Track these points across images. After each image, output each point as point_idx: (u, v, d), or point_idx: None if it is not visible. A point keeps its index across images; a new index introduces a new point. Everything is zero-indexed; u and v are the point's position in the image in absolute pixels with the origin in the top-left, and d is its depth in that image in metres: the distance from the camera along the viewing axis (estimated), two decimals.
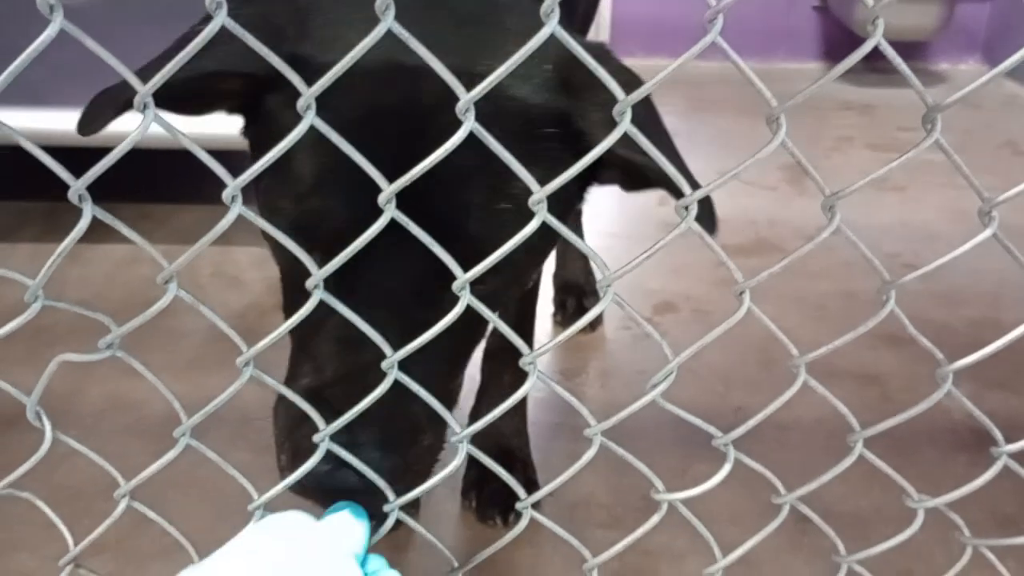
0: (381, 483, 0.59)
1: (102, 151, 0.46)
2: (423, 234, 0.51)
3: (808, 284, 1.73)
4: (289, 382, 0.64)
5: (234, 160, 0.53)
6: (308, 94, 0.45)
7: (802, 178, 2.25)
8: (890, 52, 0.49)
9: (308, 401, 0.57)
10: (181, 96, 0.60)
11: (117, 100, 0.59)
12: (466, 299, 0.53)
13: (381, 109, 0.59)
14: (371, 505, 0.60)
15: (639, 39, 3.15)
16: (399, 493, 0.61)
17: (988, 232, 0.54)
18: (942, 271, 0.55)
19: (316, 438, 0.58)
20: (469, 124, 0.46)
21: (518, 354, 0.58)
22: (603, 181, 0.70)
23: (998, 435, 0.64)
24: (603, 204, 1.86)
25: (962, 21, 3.23)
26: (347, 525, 0.57)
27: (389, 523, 0.62)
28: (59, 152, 0.46)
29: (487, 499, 1.14)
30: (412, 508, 0.67)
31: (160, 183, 2.01)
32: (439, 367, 0.66)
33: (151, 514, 0.64)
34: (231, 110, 0.67)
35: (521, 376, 0.59)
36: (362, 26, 0.44)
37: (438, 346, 0.56)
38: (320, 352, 0.63)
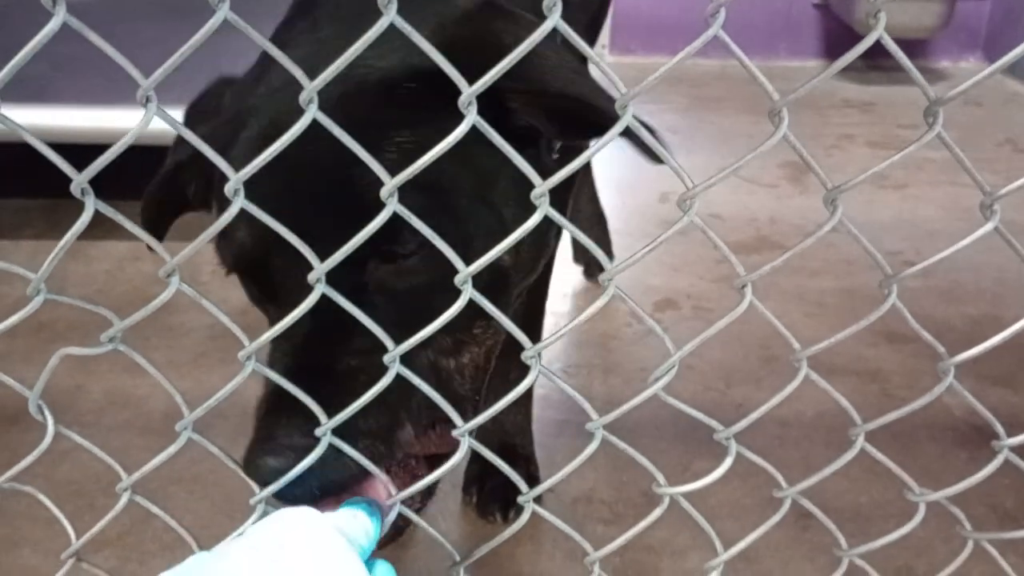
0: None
1: (104, 149, 0.46)
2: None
3: (808, 281, 1.73)
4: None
5: None
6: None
7: (803, 176, 2.25)
8: (892, 46, 0.49)
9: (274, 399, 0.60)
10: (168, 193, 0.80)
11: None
12: (468, 293, 0.53)
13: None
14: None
15: (638, 37, 3.16)
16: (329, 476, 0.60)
17: (990, 225, 0.54)
18: (943, 268, 0.55)
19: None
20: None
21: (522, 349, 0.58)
22: (525, 133, 0.69)
23: (1000, 428, 0.64)
24: (603, 203, 1.86)
25: (963, 19, 3.22)
26: (353, 520, 0.57)
27: (392, 516, 0.62)
28: (61, 149, 0.46)
29: (488, 495, 1.14)
30: (419, 503, 0.68)
31: None
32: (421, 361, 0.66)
33: (154, 508, 0.64)
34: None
35: (526, 372, 0.59)
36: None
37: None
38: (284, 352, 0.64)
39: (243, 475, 0.62)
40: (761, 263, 0.56)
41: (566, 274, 1.77)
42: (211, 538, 0.61)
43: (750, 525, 0.69)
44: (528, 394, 1.23)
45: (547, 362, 1.46)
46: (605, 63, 0.49)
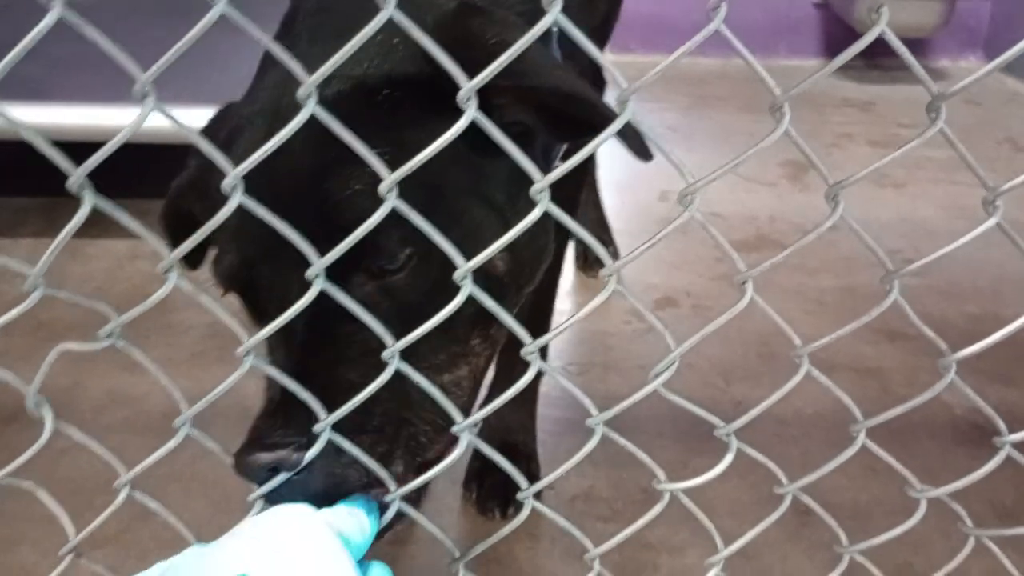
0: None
1: (102, 146, 0.46)
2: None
3: (808, 279, 1.73)
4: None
5: None
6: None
7: (802, 174, 2.25)
8: (895, 41, 0.49)
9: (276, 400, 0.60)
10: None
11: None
12: (468, 289, 0.53)
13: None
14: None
15: (638, 37, 3.15)
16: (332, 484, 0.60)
17: (992, 221, 0.54)
18: (942, 266, 0.55)
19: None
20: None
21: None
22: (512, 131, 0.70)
23: (1001, 424, 0.64)
24: (604, 202, 1.86)
25: (963, 18, 3.22)
26: (350, 517, 0.57)
27: (390, 513, 0.62)
28: (59, 147, 0.45)
29: (488, 491, 1.14)
30: (414, 500, 0.68)
31: (161, 178, 2.01)
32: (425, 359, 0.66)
33: (152, 505, 0.64)
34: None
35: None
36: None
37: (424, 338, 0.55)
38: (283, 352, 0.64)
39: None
40: (761, 261, 0.56)
41: (565, 272, 1.77)
42: (209, 535, 0.61)
43: (749, 522, 0.69)
44: (532, 393, 1.23)
45: (548, 359, 1.47)
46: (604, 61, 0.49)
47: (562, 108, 0.64)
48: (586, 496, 1.18)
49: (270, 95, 0.68)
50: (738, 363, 1.46)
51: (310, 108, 0.46)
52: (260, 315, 0.69)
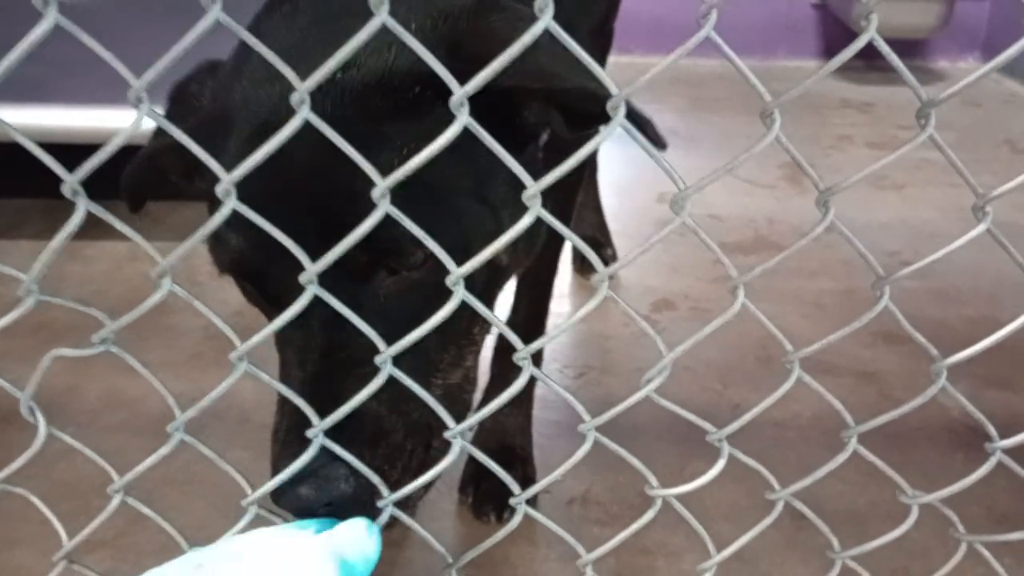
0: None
1: (99, 149, 0.46)
2: (438, 248, 0.52)
3: (807, 282, 1.73)
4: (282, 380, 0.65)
5: None
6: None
7: (801, 177, 2.25)
8: (884, 48, 0.49)
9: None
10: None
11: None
12: (460, 294, 0.53)
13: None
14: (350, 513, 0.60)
15: (638, 37, 3.15)
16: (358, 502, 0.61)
17: (982, 227, 0.54)
18: (939, 269, 0.55)
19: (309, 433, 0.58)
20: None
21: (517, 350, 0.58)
22: (532, 131, 0.69)
23: (992, 431, 0.64)
24: (602, 203, 1.86)
25: (962, 19, 3.23)
26: (353, 544, 0.57)
27: (383, 518, 0.62)
28: (57, 150, 0.45)
29: (483, 495, 1.14)
30: (407, 506, 0.68)
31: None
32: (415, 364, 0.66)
33: (146, 510, 0.64)
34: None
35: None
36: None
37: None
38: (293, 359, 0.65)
39: (236, 477, 0.62)
40: (759, 263, 0.56)
41: (562, 274, 1.77)
42: (205, 540, 0.61)
43: (746, 527, 0.68)
44: (528, 396, 1.23)
45: (545, 362, 1.46)
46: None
47: (585, 107, 0.62)
48: (583, 500, 1.18)
49: (268, 75, 0.63)
50: (736, 367, 1.46)
51: (303, 114, 0.46)
52: (271, 301, 0.67)
